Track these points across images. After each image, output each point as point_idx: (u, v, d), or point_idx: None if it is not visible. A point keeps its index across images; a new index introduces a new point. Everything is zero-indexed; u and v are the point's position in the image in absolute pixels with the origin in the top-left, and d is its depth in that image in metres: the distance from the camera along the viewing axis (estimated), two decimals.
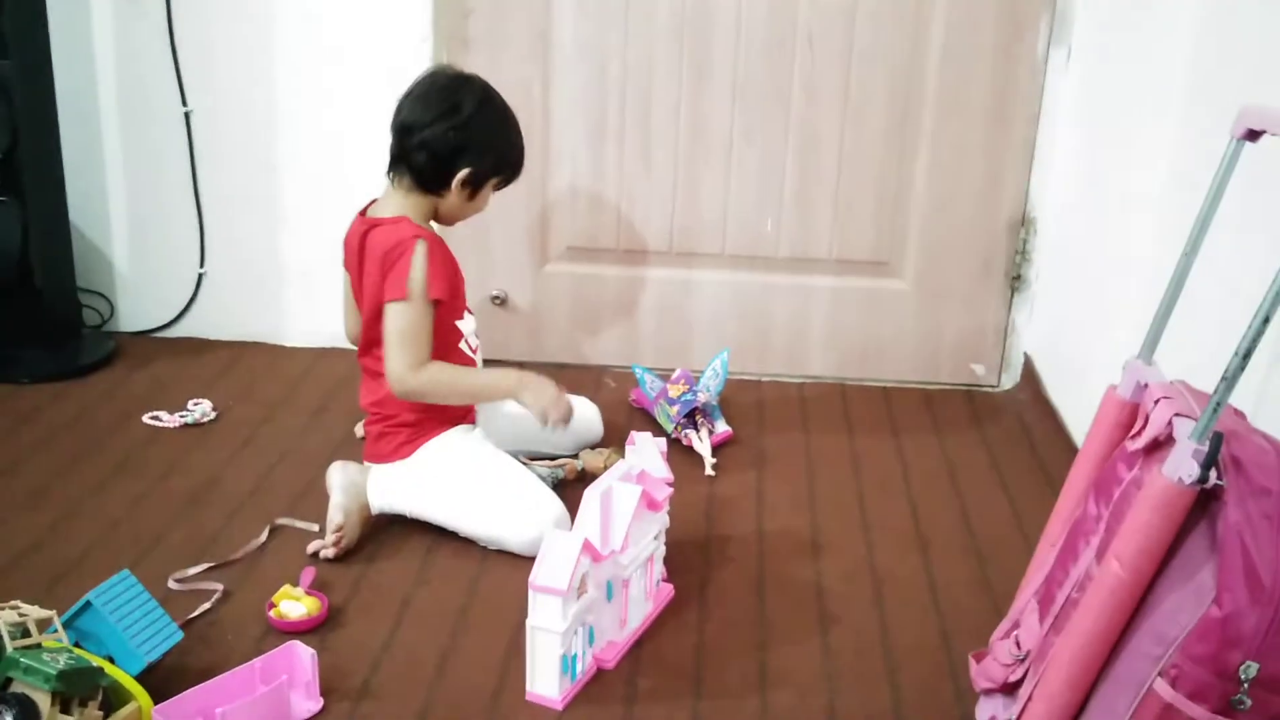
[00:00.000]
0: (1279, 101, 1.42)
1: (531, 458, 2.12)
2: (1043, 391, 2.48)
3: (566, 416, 1.95)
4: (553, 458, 2.15)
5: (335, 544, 1.84)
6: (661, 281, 2.62)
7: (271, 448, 2.22)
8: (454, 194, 1.94)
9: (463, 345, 2.01)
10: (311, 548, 1.85)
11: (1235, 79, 1.70)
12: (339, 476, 1.90)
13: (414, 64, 2.45)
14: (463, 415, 2.02)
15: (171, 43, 2.51)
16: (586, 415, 2.24)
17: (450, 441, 1.98)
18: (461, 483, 1.92)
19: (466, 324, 2.02)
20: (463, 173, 1.92)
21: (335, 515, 1.85)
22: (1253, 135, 1.29)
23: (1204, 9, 1.82)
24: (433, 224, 1.99)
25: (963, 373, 2.65)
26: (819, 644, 1.69)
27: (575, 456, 2.16)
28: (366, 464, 1.97)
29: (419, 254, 1.87)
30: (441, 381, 1.93)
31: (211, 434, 2.28)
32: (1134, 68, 2.11)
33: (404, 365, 1.89)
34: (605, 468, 2.01)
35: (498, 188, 2.01)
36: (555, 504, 1.90)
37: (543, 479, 2.04)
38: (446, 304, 1.94)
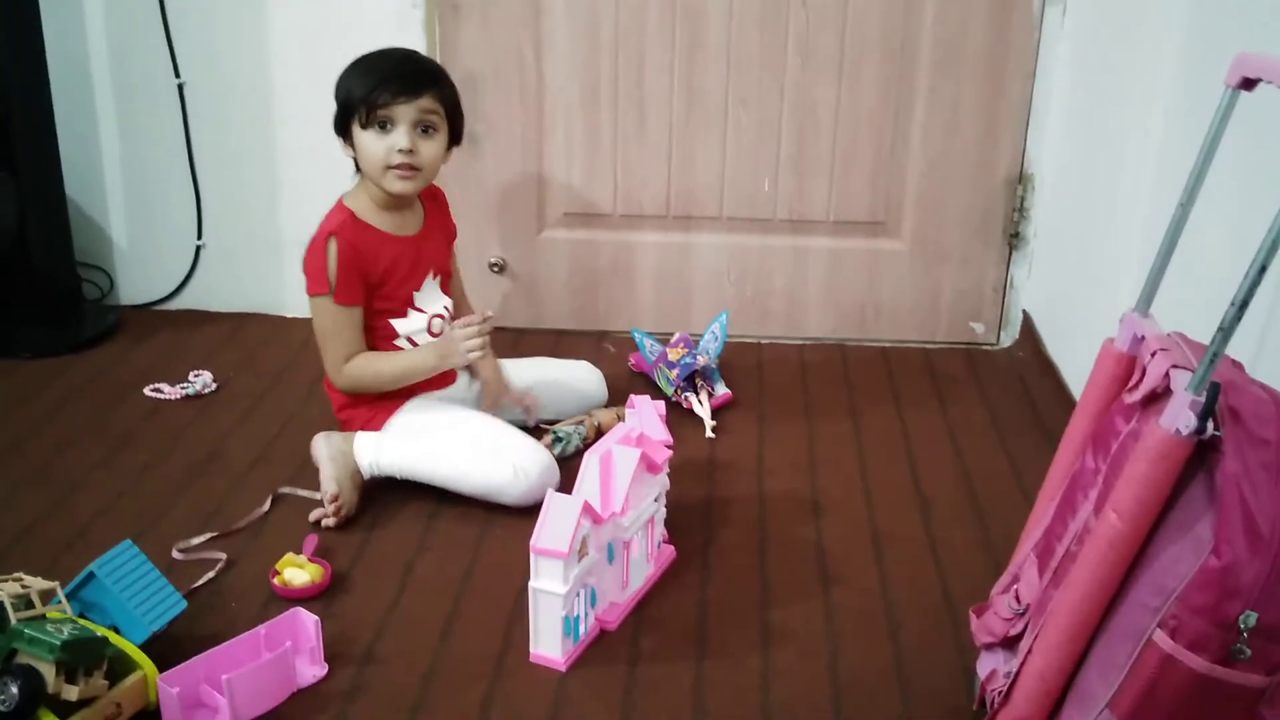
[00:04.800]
0: (1276, 49, 1.41)
1: (549, 421, 2.14)
2: (1042, 348, 2.48)
3: (482, 348, 1.90)
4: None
5: (335, 513, 1.84)
6: (659, 245, 2.62)
7: (273, 418, 2.23)
8: (351, 148, 1.93)
9: (401, 343, 2.00)
10: (314, 516, 1.86)
11: (1232, 30, 1.69)
12: (324, 448, 1.90)
13: (405, 30, 2.45)
14: (413, 391, 2.01)
15: (163, 13, 2.50)
16: (590, 380, 2.25)
17: (424, 403, 1.99)
18: (446, 439, 1.93)
19: (409, 323, 2.00)
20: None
21: (329, 486, 1.86)
22: (1248, 84, 1.28)
23: None
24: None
25: (962, 331, 2.65)
26: (820, 603, 1.70)
27: (588, 415, 2.17)
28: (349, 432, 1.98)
29: (331, 251, 1.89)
30: (365, 375, 1.95)
31: (213, 405, 2.29)
32: (1130, 22, 2.09)
33: (330, 363, 1.95)
34: (619, 419, 2.05)
35: (366, 124, 1.88)
36: (541, 452, 1.91)
37: (568, 438, 2.06)
38: (379, 299, 1.95)
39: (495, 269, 2.64)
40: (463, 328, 1.91)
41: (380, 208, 1.96)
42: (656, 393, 2.29)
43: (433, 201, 2.08)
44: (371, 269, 1.93)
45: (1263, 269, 1.12)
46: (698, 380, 2.28)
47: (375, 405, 1.98)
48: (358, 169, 1.96)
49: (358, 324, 1.94)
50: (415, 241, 2.00)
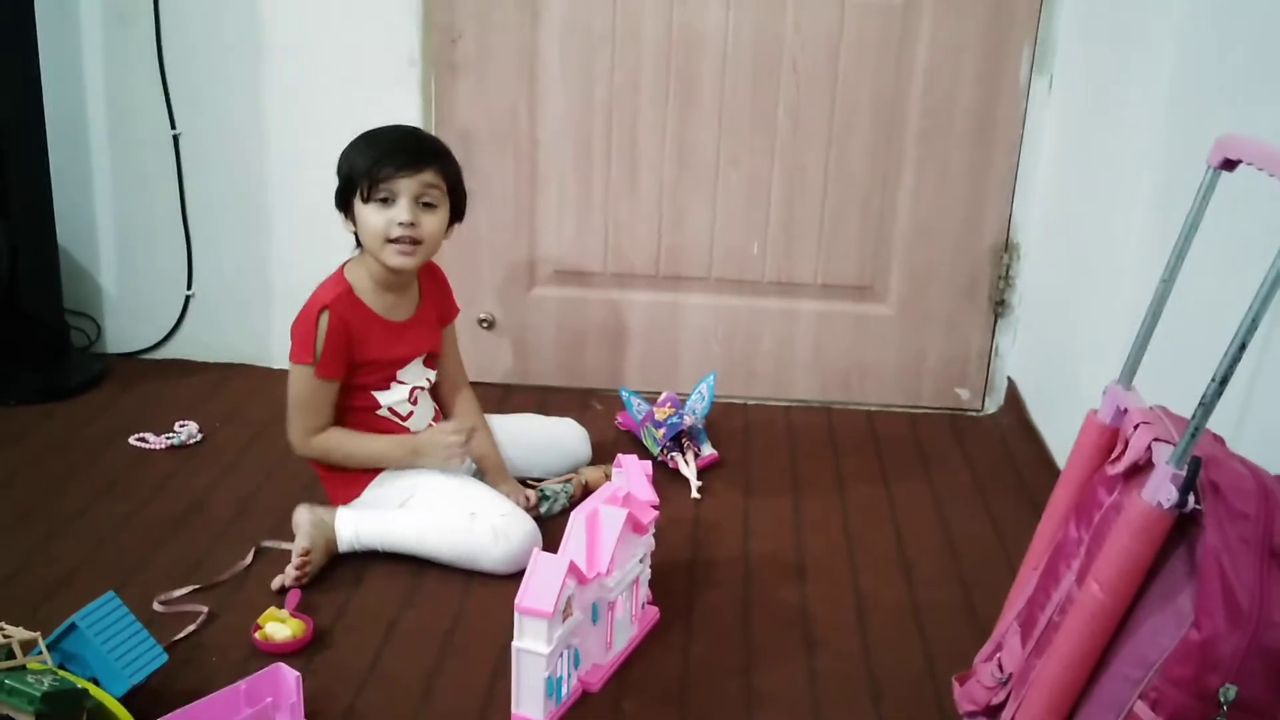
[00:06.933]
0: (1259, 131, 1.44)
1: (536, 479, 2.14)
2: (1026, 416, 2.50)
3: (460, 459, 1.96)
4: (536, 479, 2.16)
5: (299, 568, 1.82)
6: (648, 305, 2.64)
7: (257, 470, 2.22)
8: (352, 222, 1.95)
9: (383, 413, 2.00)
10: (275, 584, 1.83)
11: (1213, 108, 1.72)
12: (306, 517, 1.89)
13: (402, 87, 2.48)
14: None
15: (160, 65, 2.52)
16: (575, 438, 2.25)
17: (402, 473, 1.98)
18: (425, 510, 1.92)
19: (391, 394, 2.00)
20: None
21: (302, 541, 1.85)
22: (1229, 164, 1.31)
23: (1184, 39, 1.85)
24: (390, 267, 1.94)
25: (947, 397, 2.66)
26: (804, 667, 1.70)
27: (575, 473, 2.17)
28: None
29: (322, 323, 1.90)
30: (332, 451, 1.96)
31: (198, 456, 2.28)
32: (1115, 96, 2.13)
33: (297, 432, 1.95)
34: (606, 476, 2.05)
35: (368, 198, 1.89)
36: (524, 519, 1.91)
37: (555, 496, 2.06)
38: (361, 374, 1.95)
39: (484, 325, 2.65)
40: (450, 433, 1.95)
41: (378, 285, 1.97)
42: (643, 452, 2.29)
43: (431, 281, 2.08)
44: (358, 350, 1.93)
45: (1243, 346, 1.14)
46: (684, 440, 2.29)
47: (343, 472, 1.99)
48: (358, 244, 1.96)
49: (332, 398, 1.95)
50: (405, 327, 2.01)
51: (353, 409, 1.98)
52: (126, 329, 2.74)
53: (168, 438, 2.32)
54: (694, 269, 2.61)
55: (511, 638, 1.52)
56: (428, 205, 1.92)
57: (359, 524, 1.91)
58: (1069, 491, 1.44)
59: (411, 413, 2.03)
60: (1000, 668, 1.39)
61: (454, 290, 2.17)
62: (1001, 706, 1.36)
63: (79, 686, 1.39)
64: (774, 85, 2.47)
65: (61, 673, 1.42)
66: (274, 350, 2.70)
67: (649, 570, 1.75)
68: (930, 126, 2.48)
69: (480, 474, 2.09)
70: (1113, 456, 1.34)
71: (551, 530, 1.94)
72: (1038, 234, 2.50)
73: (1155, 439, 1.24)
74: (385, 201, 1.89)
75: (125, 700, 1.45)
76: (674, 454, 2.27)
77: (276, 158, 2.58)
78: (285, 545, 1.92)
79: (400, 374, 2.01)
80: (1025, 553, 1.51)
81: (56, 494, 2.10)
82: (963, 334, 2.62)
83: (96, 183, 2.64)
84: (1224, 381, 1.15)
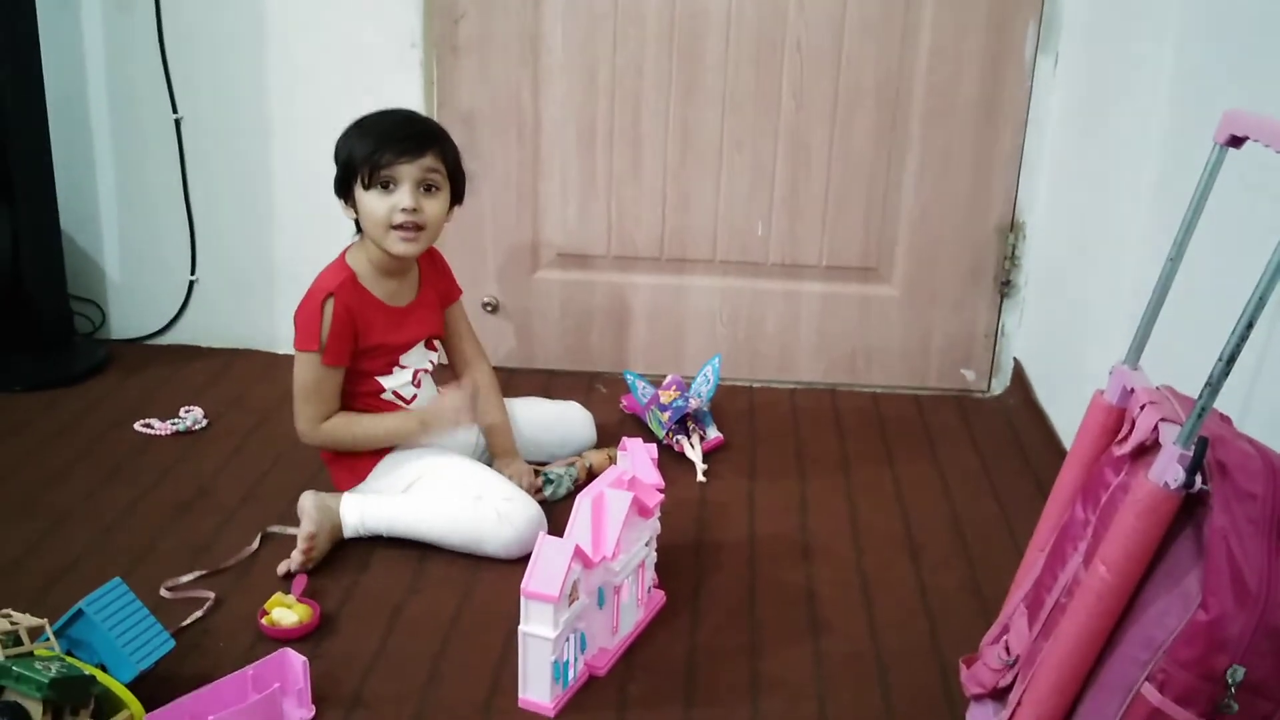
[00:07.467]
0: (1266, 107, 1.43)
1: (540, 463, 2.14)
2: (1032, 396, 2.49)
3: (468, 419, 1.99)
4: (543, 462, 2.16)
5: (305, 552, 1.83)
6: (652, 287, 2.63)
7: (263, 455, 2.22)
8: (352, 209, 1.94)
9: (387, 398, 2.00)
10: (281, 569, 1.83)
11: (1221, 86, 1.71)
12: (311, 503, 1.89)
13: (403, 69, 2.47)
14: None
15: (162, 48, 2.52)
16: (580, 421, 2.25)
17: (407, 456, 1.98)
18: (430, 494, 1.92)
19: (395, 379, 2.00)
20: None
21: (307, 525, 1.85)
22: (1236, 141, 1.30)
23: (1190, 16, 1.83)
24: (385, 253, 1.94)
25: (953, 378, 2.66)
26: (810, 649, 1.70)
27: (579, 456, 2.17)
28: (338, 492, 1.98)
29: (327, 311, 1.89)
30: (342, 435, 1.97)
31: (203, 441, 2.28)
32: (1121, 74, 2.12)
33: (305, 420, 1.95)
34: (610, 460, 2.05)
35: (369, 185, 1.88)
36: (528, 502, 1.90)
37: (559, 480, 2.06)
38: (364, 360, 1.95)
39: (489, 308, 2.65)
40: (452, 397, 1.96)
41: (379, 271, 1.96)
42: (648, 435, 2.29)
43: (430, 265, 2.08)
44: (362, 336, 1.93)
45: (1249, 325, 1.13)
46: (690, 423, 2.29)
47: (351, 456, 2.00)
48: (358, 229, 1.96)
49: (339, 384, 1.95)
50: (407, 312, 2.01)
51: (357, 394, 1.98)
52: (131, 315, 2.74)
53: (173, 423, 2.32)
54: (698, 251, 2.60)
55: (518, 622, 1.53)
56: (429, 189, 1.91)
57: (364, 509, 1.91)
58: (1075, 472, 1.43)
59: (415, 395, 2.03)
60: (1007, 650, 1.38)
61: (458, 274, 2.16)
62: (1008, 689, 1.35)
63: (86, 673, 1.39)
64: (777, 65, 2.46)
65: (69, 659, 1.43)
66: (278, 335, 2.70)
67: (655, 554, 1.75)
68: (935, 106, 2.47)
69: (489, 452, 2.09)
70: (1119, 437, 1.33)
71: (556, 514, 1.95)
72: (1043, 214, 2.49)
73: (1162, 419, 1.23)
74: (386, 187, 1.89)
75: (133, 686, 1.45)
76: (679, 437, 2.27)
77: (278, 141, 2.57)
78: (291, 530, 1.92)
79: (403, 358, 2.01)
80: (1032, 534, 1.50)
81: (62, 481, 2.11)
82: (968, 315, 2.62)
83: (99, 168, 2.63)
84: (1231, 361, 1.14)
